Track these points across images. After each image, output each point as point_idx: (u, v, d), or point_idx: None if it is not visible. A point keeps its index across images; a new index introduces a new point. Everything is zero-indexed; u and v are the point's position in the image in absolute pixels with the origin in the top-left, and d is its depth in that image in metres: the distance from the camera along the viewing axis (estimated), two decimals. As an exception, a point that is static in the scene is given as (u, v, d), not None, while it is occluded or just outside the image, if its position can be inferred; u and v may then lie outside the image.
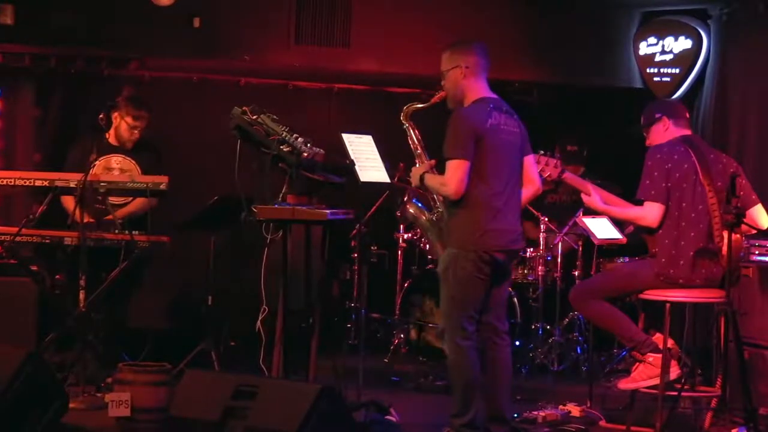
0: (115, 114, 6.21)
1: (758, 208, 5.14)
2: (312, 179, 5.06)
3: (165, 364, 5.06)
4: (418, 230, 6.77)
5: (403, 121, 5.04)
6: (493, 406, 4.81)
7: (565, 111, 7.90)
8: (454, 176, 4.60)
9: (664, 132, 5.19)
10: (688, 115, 5.29)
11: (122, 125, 6.19)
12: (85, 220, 5.56)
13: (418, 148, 5.01)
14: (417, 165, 4.97)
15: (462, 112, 4.74)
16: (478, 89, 4.79)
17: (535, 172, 4.92)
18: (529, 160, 4.89)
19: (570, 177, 5.31)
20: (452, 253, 4.71)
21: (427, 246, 6.65)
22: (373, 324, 7.12)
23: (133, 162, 6.20)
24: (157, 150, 6.34)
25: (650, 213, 5.04)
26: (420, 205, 5.05)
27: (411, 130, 5.03)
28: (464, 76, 4.77)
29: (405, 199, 5.22)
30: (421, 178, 4.79)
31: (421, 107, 5.02)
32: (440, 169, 4.78)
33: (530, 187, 4.89)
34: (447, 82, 4.84)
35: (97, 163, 6.07)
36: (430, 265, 6.87)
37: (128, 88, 6.31)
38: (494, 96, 4.82)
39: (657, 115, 5.21)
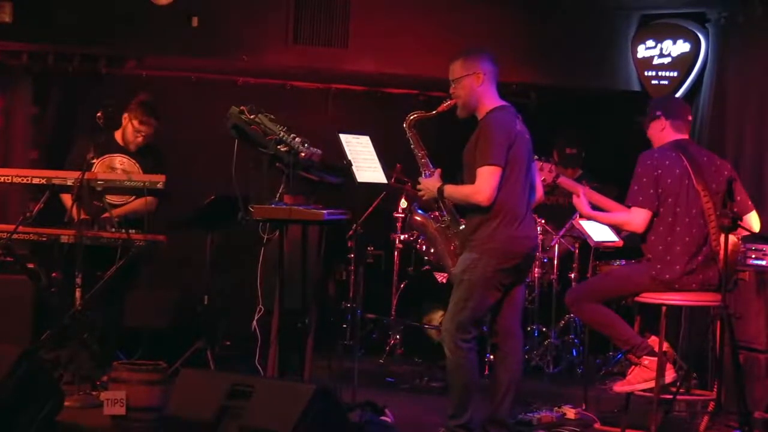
0: (125, 115, 6.21)
1: (753, 215, 5.15)
2: (309, 179, 5.06)
3: (160, 363, 5.06)
4: (416, 232, 6.76)
5: (407, 129, 5.00)
6: (496, 407, 4.80)
7: (563, 113, 7.91)
8: (488, 183, 4.58)
9: (660, 132, 5.19)
10: (690, 118, 5.27)
11: (129, 127, 6.19)
12: (82, 218, 5.56)
13: (424, 156, 4.99)
14: (423, 175, 4.95)
15: (496, 119, 4.72)
16: (493, 97, 4.80)
17: (538, 179, 4.95)
18: (534, 167, 4.92)
19: (564, 181, 5.33)
20: (473, 257, 4.70)
21: (427, 249, 6.63)
22: (369, 324, 7.12)
23: (137, 165, 6.20)
24: (162, 155, 6.33)
25: (636, 218, 5.04)
26: (427, 215, 5.04)
27: (414, 139, 5.01)
28: (481, 83, 4.77)
29: (411, 207, 5.20)
30: (440, 191, 4.78)
31: (426, 116, 4.98)
32: (447, 177, 4.79)
33: (534, 194, 4.90)
34: (460, 89, 4.81)
35: (100, 160, 6.07)
36: (426, 266, 6.87)
37: (144, 93, 6.30)
38: (508, 104, 4.84)
39: (657, 113, 5.21)
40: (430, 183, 4.85)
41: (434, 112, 4.95)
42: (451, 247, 4.99)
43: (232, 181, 4.87)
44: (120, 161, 6.20)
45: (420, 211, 5.08)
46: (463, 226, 4.86)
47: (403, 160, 6.12)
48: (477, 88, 4.78)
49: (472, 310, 4.70)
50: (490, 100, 4.79)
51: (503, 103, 4.82)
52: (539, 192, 4.95)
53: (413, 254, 7.01)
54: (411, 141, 5.00)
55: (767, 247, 5.35)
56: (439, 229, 4.99)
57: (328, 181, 5.14)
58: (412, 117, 5.00)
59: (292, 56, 7.08)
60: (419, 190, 4.93)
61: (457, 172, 4.88)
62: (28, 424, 4.44)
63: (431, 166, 4.95)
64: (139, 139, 6.20)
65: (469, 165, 4.72)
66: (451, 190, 4.78)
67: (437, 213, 5.10)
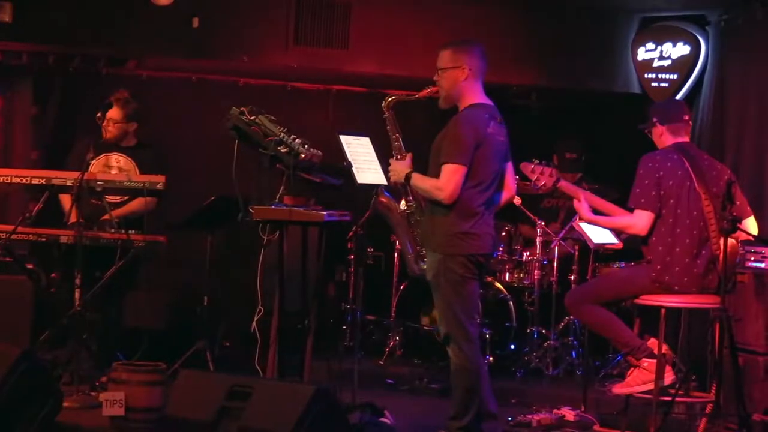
0: None
1: (751, 220, 5.16)
2: (309, 180, 5.06)
3: (160, 364, 5.06)
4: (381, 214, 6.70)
5: (384, 110, 4.98)
6: (480, 403, 4.78)
7: (564, 115, 7.91)
8: (451, 181, 4.58)
9: (659, 137, 5.21)
10: (687, 117, 5.26)
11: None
12: (81, 221, 5.56)
13: (398, 140, 4.98)
14: (395, 157, 4.93)
15: (466, 117, 4.70)
16: (475, 93, 4.76)
17: (512, 179, 4.89)
18: (509, 167, 4.86)
19: (565, 185, 5.31)
20: (438, 258, 4.68)
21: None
22: (369, 326, 7.13)
23: (133, 162, 6.20)
24: (158, 152, 6.32)
25: (640, 221, 5.04)
26: (393, 199, 5.02)
27: (391, 121, 5.00)
28: (465, 78, 4.73)
29: (378, 190, 5.17)
30: (408, 177, 4.76)
31: (405, 99, 4.97)
32: (420, 165, 4.77)
33: (506, 193, 4.87)
34: (444, 80, 4.78)
35: (96, 160, 6.07)
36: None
37: (118, 90, 6.30)
38: (490, 103, 4.80)
39: (654, 120, 5.22)
40: (399, 166, 4.82)
41: (415, 96, 4.94)
42: (414, 233, 4.97)
43: (232, 182, 4.88)
44: (116, 159, 6.20)
45: (386, 194, 5.05)
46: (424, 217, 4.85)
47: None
48: (461, 82, 4.74)
49: (462, 309, 4.67)
50: (471, 95, 4.75)
51: (484, 100, 4.77)
52: (511, 191, 4.89)
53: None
54: (387, 122, 4.99)
55: (766, 250, 5.35)
56: (404, 214, 4.96)
57: (328, 183, 5.14)
58: (390, 99, 4.99)
59: (293, 57, 7.08)
60: (388, 172, 4.91)
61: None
62: (26, 425, 4.44)
63: (404, 150, 4.94)
64: (110, 126, 6.15)
65: (435, 156, 4.69)
66: (417, 179, 4.75)
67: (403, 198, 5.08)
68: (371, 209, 6.33)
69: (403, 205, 5.03)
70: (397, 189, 5.03)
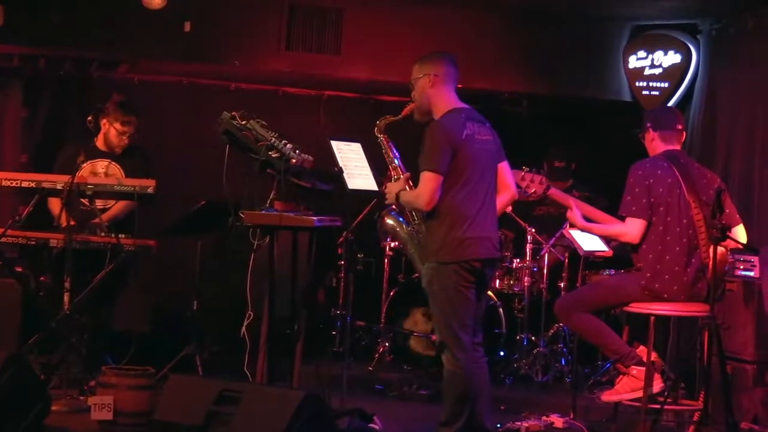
0: (104, 120, 6.19)
1: (740, 228, 5.17)
2: (300, 185, 5.06)
3: (149, 368, 5.06)
4: (389, 236, 6.73)
5: (377, 134, 5.00)
6: (473, 416, 4.79)
7: (554, 122, 7.92)
8: (426, 188, 4.56)
9: (650, 143, 5.23)
10: (680, 126, 5.28)
11: (111, 131, 6.17)
12: (71, 224, 5.55)
13: (394, 160, 4.99)
14: (393, 178, 4.94)
15: (439, 124, 4.68)
16: (447, 99, 4.75)
17: (509, 178, 4.87)
18: (504, 167, 4.84)
19: (555, 193, 5.31)
20: (432, 266, 4.67)
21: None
22: (358, 332, 7.12)
23: (119, 167, 6.18)
24: (146, 156, 6.31)
25: (632, 229, 5.05)
26: (399, 218, 5.02)
27: (386, 143, 5.01)
28: (432, 84, 4.73)
29: (383, 212, 5.18)
30: (398, 196, 4.75)
31: (394, 120, 4.99)
32: (416, 182, 4.77)
33: (506, 193, 4.84)
34: (415, 91, 4.81)
35: (83, 166, 6.06)
36: (416, 274, 6.87)
37: (116, 94, 6.28)
38: (465, 105, 4.78)
39: (647, 125, 5.25)
40: (393, 187, 4.81)
41: (401, 115, 4.95)
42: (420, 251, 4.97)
43: (223, 186, 4.87)
44: (102, 165, 6.19)
45: (393, 214, 5.05)
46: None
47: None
48: (428, 90, 4.74)
49: (456, 318, 4.65)
50: (443, 103, 4.74)
51: (458, 105, 4.76)
52: (511, 191, 4.87)
53: (403, 261, 7.01)
54: (381, 146, 5.00)
55: (755, 258, 5.37)
56: (410, 233, 4.95)
57: (319, 188, 5.14)
58: (381, 122, 5.01)
59: (285, 62, 7.08)
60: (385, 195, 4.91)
61: None
62: (15, 428, 4.43)
63: (402, 170, 4.94)
64: (125, 140, 6.17)
65: (419, 167, 4.71)
66: (402, 195, 4.75)
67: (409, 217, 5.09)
68: (378, 231, 6.36)
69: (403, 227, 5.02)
70: (403, 210, 5.03)
